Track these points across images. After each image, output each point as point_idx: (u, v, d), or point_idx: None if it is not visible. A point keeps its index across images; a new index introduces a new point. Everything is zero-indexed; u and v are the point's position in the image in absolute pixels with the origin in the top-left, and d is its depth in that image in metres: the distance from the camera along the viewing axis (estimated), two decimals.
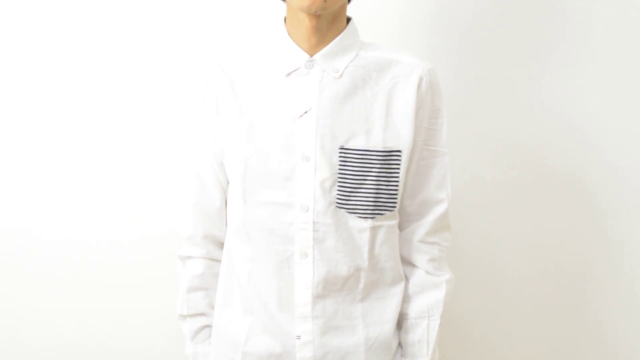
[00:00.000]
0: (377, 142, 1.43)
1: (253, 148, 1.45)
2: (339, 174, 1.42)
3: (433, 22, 1.92)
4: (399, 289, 1.50)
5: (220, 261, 1.56)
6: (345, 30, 1.46)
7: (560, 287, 2.01)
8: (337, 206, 1.43)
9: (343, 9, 1.46)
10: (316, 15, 1.41)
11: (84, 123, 1.93)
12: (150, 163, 1.95)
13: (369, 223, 1.44)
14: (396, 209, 1.47)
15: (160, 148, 1.94)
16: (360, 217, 1.44)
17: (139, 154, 1.95)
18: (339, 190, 1.42)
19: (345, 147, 1.42)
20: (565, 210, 1.98)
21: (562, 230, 1.99)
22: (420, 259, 1.51)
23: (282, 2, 1.47)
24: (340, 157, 1.42)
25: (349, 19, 1.51)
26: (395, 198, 1.45)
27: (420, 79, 1.46)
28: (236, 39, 1.89)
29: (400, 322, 1.53)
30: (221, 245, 1.57)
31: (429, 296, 1.51)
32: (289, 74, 1.46)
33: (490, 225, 2.00)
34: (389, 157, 1.43)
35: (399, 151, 1.44)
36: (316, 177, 1.42)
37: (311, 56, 1.45)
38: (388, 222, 1.46)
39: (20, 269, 1.97)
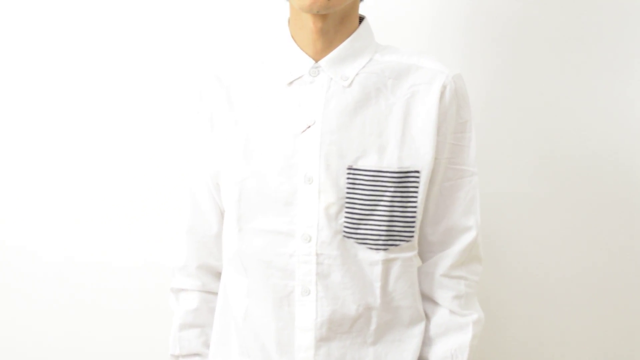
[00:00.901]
0: (391, 161, 1.23)
1: (249, 168, 1.26)
2: (347, 198, 1.23)
3: (468, 23, 1.70)
4: (417, 331, 1.30)
5: (217, 294, 1.39)
6: (357, 32, 1.27)
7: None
8: (344, 235, 1.23)
9: (354, 7, 1.26)
10: (321, 16, 1.22)
11: (78, 128, 1.79)
12: (150, 171, 1.80)
13: (381, 255, 1.24)
14: (414, 238, 1.26)
15: (160, 158, 1.78)
16: (371, 248, 1.24)
17: (138, 160, 1.80)
18: (346, 217, 1.23)
19: (354, 167, 1.22)
20: (619, 225, 1.77)
21: (618, 252, 1.77)
22: (444, 295, 1.30)
23: (285, 1, 1.29)
24: (348, 178, 1.23)
25: (362, 19, 1.32)
26: (413, 226, 1.25)
27: (444, 87, 1.25)
28: (236, 43, 1.71)
29: None
30: (218, 275, 1.39)
31: (453, 339, 1.30)
32: (291, 83, 1.27)
33: (537, 248, 1.78)
34: (406, 179, 1.23)
35: (417, 172, 1.24)
36: (320, 201, 1.23)
37: (316, 62, 1.26)
38: (404, 254, 1.26)
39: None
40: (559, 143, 1.74)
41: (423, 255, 1.34)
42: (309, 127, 1.24)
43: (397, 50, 1.31)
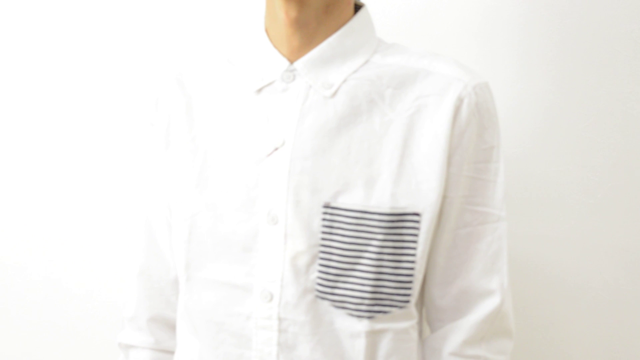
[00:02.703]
0: (382, 198, 0.91)
1: (202, 201, 0.97)
2: (322, 246, 0.91)
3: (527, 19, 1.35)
4: None
5: (174, 353, 1.10)
6: (349, 24, 0.96)
7: None
8: (317, 296, 0.92)
9: None
10: (297, 2, 0.91)
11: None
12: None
13: (365, 325, 0.92)
14: (410, 303, 0.94)
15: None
16: (352, 314, 0.92)
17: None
18: (320, 271, 0.92)
19: (332, 204, 0.91)
20: None
21: None
22: None
23: None
24: (324, 219, 0.91)
25: (358, 7, 1.00)
26: (409, 288, 0.92)
27: (459, 100, 0.92)
28: (207, 39, 1.40)
29: None
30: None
31: None
32: (259, 90, 0.97)
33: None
34: (400, 224, 0.91)
35: (417, 214, 0.91)
36: (286, 249, 0.92)
37: (291, 63, 0.96)
38: (397, 324, 0.93)
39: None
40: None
41: (431, 323, 1.01)
42: (276, 149, 0.94)
43: (404, 50, 0.99)
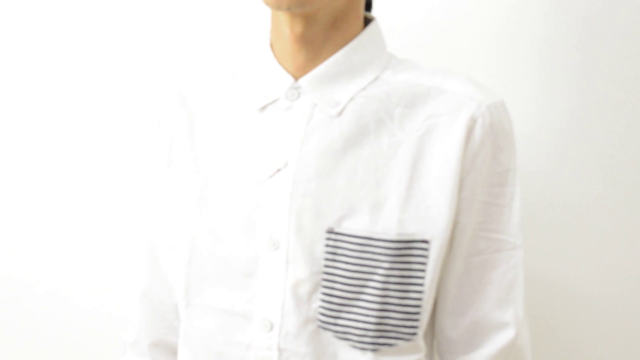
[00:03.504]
0: (388, 224, 0.86)
1: (203, 223, 0.93)
2: (325, 273, 0.87)
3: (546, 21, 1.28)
4: None
5: None
6: (357, 39, 0.91)
7: None
8: (319, 326, 0.87)
9: (354, 5, 0.90)
10: (302, 18, 0.87)
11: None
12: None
13: (369, 358, 0.87)
14: (417, 336, 0.88)
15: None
16: (355, 346, 0.87)
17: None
18: (323, 300, 0.87)
19: (336, 230, 0.86)
20: None
21: None
22: None
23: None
24: (327, 246, 0.86)
25: (368, 21, 0.95)
26: (416, 319, 0.87)
27: (473, 121, 0.87)
28: (212, 54, 1.36)
29: None
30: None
31: None
32: (263, 108, 0.93)
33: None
34: (408, 251, 0.86)
35: (425, 241, 0.86)
36: (288, 276, 0.88)
37: (296, 80, 0.91)
38: (403, 357, 0.88)
39: None
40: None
41: (442, 356, 0.95)
42: (279, 170, 0.89)
43: (416, 66, 0.93)
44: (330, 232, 0.86)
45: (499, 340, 0.90)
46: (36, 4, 1.42)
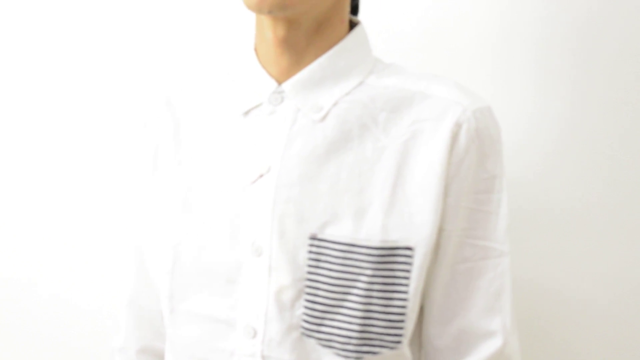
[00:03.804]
0: (372, 231, 0.84)
1: (187, 229, 0.92)
2: (308, 280, 0.85)
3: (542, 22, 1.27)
4: None
5: None
6: (342, 43, 0.90)
7: None
8: (302, 333, 0.86)
9: (339, 8, 0.89)
10: (284, 21, 0.86)
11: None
12: None
13: None
14: (402, 344, 0.87)
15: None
16: (338, 354, 0.86)
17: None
18: (307, 307, 0.86)
19: (318, 236, 0.85)
20: None
21: None
22: None
23: None
24: (310, 252, 0.85)
25: (353, 25, 0.94)
26: (401, 327, 0.86)
27: (457, 126, 0.85)
28: (201, 58, 1.35)
29: None
30: None
31: None
32: (247, 113, 0.92)
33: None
34: (391, 258, 0.84)
35: (409, 248, 0.84)
36: (270, 282, 0.87)
37: (279, 84, 0.90)
38: None
39: None
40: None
41: None
42: (261, 176, 0.88)
43: (402, 70, 0.92)
44: (313, 238, 0.85)
45: (486, 349, 0.88)
46: (26, 9, 1.42)
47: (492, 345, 0.88)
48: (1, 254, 1.52)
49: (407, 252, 0.84)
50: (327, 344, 0.86)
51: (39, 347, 1.53)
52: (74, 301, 1.50)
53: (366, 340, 0.85)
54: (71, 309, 1.50)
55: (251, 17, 0.97)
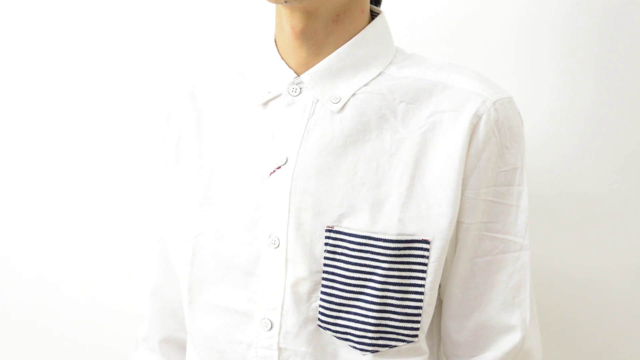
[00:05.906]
0: (388, 223, 0.83)
1: (206, 221, 0.92)
2: (325, 272, 0.85)
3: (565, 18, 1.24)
4: None
5: None
6: (361, 34, 0.89)
7: None
8: (319, 326, 0.86)
9: None
10: (302, 12, 0.85)
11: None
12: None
13: (369, 359, 0.85)
14: (418, 338, 0.86)
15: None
16: (355, 347, 0.86)
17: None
18: (323, 300, 0.85)
19: (335, 228, 0.85)
20: None
21: None
22: None
23: None
24: (327, 244, 0.85)
25: (374, 15, 0.93)
26: (417, 321, 0.85)
27: (477, 117, 0.84)
28: (222, 50, 1.34)
29: None
30: None
31: None
32: (266, 104, 0.92)
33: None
34: (408, 251, 0.84)
35: (426, 241, 0.83)
36: (287, 275, 0.87)
37: (298, 75, 0.90)
38: (404, 359, 0.86)
39: None
40: None
41: (448, 358, 0.92)
42: (279, 167, 0.88)
43: (422, 61, 0.91)
44: (329, 230, 0.85)
45: (505, 343, 0.87)
46: (47, 3, 1.44)
47: (511, 339, 0.87)
48: (27, 255, 1.53)
49: (424, 245, 0.83)
50: (343, 336, 0.85)
51: (64, 346, 1.55)
52: (100, 300, 1.51)
53: (382, 333, 0.85)
54: (97, 309, 1.51)
55: (271, 8, 0.97)
